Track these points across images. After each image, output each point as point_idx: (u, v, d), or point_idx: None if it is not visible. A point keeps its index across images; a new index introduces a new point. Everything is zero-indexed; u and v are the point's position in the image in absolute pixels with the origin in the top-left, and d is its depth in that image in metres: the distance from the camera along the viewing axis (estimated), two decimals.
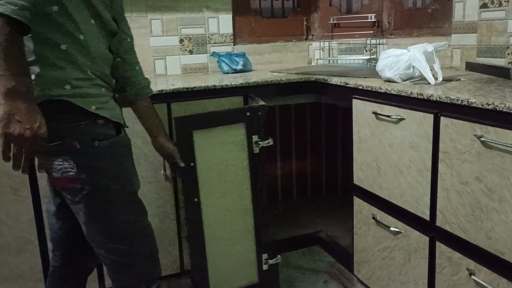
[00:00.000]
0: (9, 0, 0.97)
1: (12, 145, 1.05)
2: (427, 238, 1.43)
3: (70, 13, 1.14)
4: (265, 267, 1.76)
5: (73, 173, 1.16)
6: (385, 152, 1.57)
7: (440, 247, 1.38)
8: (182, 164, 1.57)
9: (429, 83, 1.52)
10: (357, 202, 1.77)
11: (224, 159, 1.66)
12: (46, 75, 1.13)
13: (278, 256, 1.79)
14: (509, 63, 1.73)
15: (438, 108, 1.34)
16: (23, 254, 1.73)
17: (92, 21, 1.20)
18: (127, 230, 1.28)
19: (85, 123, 1.17)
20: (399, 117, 1.48)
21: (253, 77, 2.07)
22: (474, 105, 1.21)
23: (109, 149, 1.21)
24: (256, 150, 1.67)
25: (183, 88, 1.83)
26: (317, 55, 2.64)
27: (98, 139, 1.18)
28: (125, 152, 1.28)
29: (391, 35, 2.36)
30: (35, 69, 1.12)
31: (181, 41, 2.39)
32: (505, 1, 1.73)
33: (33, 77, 1.11)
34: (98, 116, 1.19)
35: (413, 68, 1.58)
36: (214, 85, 1.88)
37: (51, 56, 1.13)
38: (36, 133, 1.04)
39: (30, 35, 1.09)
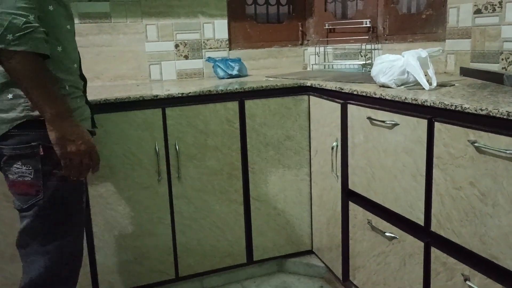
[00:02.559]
0: (32, 36, 1.00)
1: (72, 162, 1.12)
2: (422, 243, 1.43)
3: (52, 25, 1.10)
4: None
5: (29, 179, 1.14)
6: (379, 157, 1.57)
7: (435, 252, 1.38)
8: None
9: (423, 89, 1.53)
10: (352, 207, 1.77)
11: None
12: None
13: None
14: (502, 68, 1.74)
15: (432, 114, 1.34)
16: (17, 261, 1.70)
17: (68, 26, 1.16)
18: (76, 245, 1.27)
19: None
20: (393, 122, 1.48)
21: (248, 82, 2.07)
22: (467, 110, 1.21)
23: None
24: None
25: (178, 93, 1.83)
26: (312, 60, 2.65)
27: None
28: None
29: (385, 40, 2.37)
30: (13, 89, 1.09)
31: (177, 46, 2.39)
32: (498, 7, 1.74)
33: (10, 96, 1.09)
34: None
35: (407, 73, 1.59)
36: (210, 90, 1.88)
37: None
38: (90, 144, 1.13)
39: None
